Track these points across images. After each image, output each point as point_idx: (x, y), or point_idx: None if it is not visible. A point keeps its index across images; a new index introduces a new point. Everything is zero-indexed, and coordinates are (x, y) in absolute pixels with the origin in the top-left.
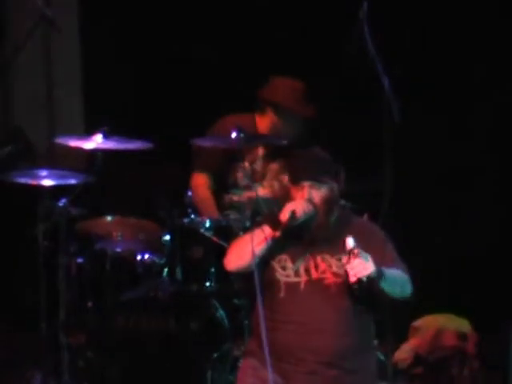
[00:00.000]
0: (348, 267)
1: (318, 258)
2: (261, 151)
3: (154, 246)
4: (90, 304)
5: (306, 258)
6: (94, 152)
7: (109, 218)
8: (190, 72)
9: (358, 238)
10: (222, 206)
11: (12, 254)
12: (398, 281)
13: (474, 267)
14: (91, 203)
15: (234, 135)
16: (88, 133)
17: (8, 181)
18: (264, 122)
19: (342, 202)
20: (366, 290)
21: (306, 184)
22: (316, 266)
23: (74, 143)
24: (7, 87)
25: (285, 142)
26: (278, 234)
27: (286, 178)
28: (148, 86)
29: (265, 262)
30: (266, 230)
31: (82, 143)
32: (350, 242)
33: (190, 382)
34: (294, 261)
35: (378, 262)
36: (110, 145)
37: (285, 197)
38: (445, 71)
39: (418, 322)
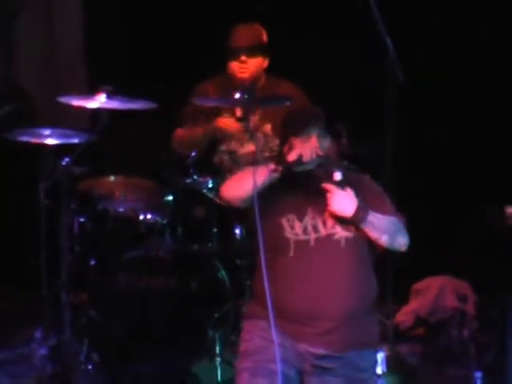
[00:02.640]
0: (329, 196)
1: (325, 214)
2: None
3: (157, 206)
4: (91, 263)
5: (313, 214)
6: (97, 111)
7: (111, 178)
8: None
9: (357, 190)
10: (211, 169)
11: (13, 213)
12: (385, 226)
13: (474, 231)
14: (94, 162)
15: (237, 95)
16: (91, 92)
17: (10, 139)
18: (247, 72)
19: (345, 162)
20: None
21: (314, 133)
22: (324, 222)
23: (76, 102)
24: (9, 46)
25: (288, 103)
26: (280, 169)
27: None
28: (153, 46)
29: (273, 219)
30: (271, 167)
31: (85, 102)
32: (337, 175)
33: (190, 342)
34: (301, 219)
35: (374, 209)
36: (114, 104)
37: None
38: (451, 37)
39: (418, 284)
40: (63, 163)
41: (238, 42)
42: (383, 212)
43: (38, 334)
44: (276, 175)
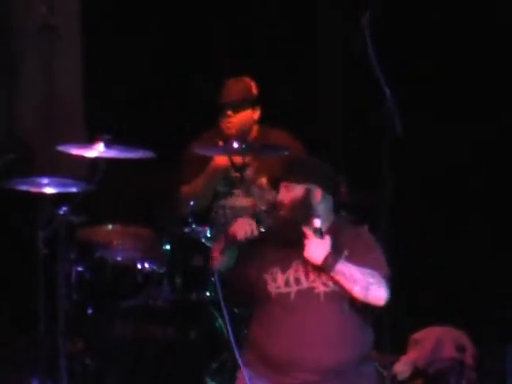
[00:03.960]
0: (305, 242)
1: (309, 267)
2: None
3: (155, 255)
4: (89, 311)
5: (297, 267)
6: (95, 160)
7: (109, 227)
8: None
9: (347, 243)
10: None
11: (12, 261)
12: (357, 278)
13: (472, 280)
14: (92, 211)
15: (235, 145)
16: (90, 141)
17: (9, 188)
18: (233, 128)
19: (343, 213)
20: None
21: (282, 185)
22: (306, 274)
23: (75, 151)
24: (10, 95)
25: (287, 153)
26: (228, 248)
27: (263, 181)
28: (151, 96)
29: (257, 274)
30: (221, 244)
31: (83, 151)
32: (316, 222)
33: None
34: (284, 271)
35: (356, 260)
36: (112, 153)
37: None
38: (449, 81)
39: (417, 335)
40: (61, 212)
41: (225, 98)
42: (364, 264)
43: (34, 382)
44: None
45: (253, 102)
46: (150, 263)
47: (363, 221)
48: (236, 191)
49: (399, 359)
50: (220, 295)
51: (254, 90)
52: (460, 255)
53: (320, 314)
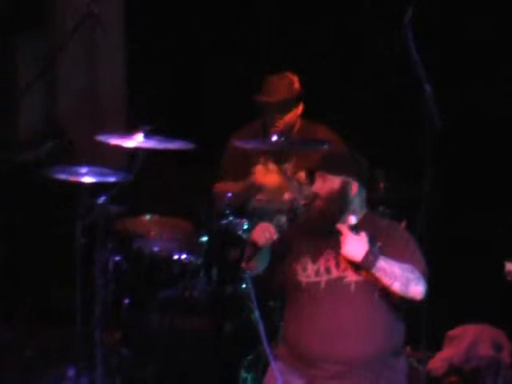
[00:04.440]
0: (342, 239)
1: (340, 256)
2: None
3: (192, 247)
4: (125, 301)
5: (327, 256)
6: (134, 150)
7: (147, 217)
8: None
9: (380, 236)
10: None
11: (50, 251)
12: (397, 274)
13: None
14: (130, 202)
15: (274, 138)
16: (129, 131)
17: (48, 177)
18: (280, 126)
19: (381, 208)
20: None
21: (318, 175)
22: (337, 264)
23: (114, 141)
24: (51, 82)
25: (326, 146)
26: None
27: (302, 176)
28: (192, 85)
29: (288, 265)
30: (248, 250)
31: (122, 141)
32: (351, 219)
33: (223, 383)
34: (314, 261)
35: (392, 256)
36: (151, 144)
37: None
38: (490, 78)
39: (453, 332)
40: (100, 202)
41: (270, 98)
42: (402, 259)
43: (70, 373)
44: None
45: (297, 99)
46: (186, 254)
47: (402, 216)
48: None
49: (435, 356)
50: (252, 296)
51: (298, 86)
52: (502, 252)
53: (350, 304)
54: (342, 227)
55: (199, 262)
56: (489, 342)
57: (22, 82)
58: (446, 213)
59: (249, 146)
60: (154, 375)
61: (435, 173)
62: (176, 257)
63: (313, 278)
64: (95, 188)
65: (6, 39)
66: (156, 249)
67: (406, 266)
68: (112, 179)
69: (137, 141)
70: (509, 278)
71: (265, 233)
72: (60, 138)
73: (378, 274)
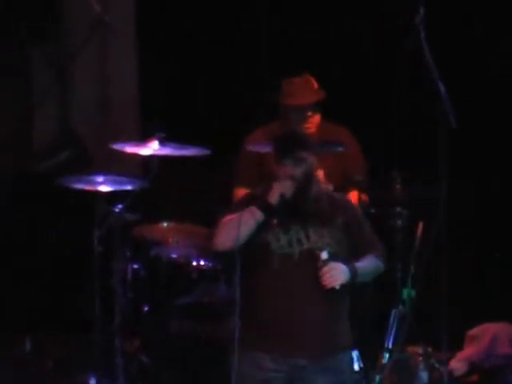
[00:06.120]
0: (321, 273)
1: (310, 230)
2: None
3: (210, 252)
4: (145, 309)
5: (298, 229)
6: (149, 158)
7: (164, 224)
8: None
9: (339, 212)
10: None
11: (68, 259)
12: (370, 271)
13: None
14: (147, 209)
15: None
16: (144, 139)
17: (64, 186)
18: (313, 127)
19: (398, 209)
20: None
21: (288, 162)
22: (307, 237)
23: (130, 149)
24: (65, 92)
25: (341, 149)
26: (264, 216)
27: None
28: (206, 92)
29: (260, 236)
30: (255, 212)
31: (137, 149)
32: (323, 255)
33: None
34: (286, 232)
35: (356, 241)
36: (166, 151)
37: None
38: (504, 77)
39: (473, 331)
40: (116, 210)
41: (302, 100)
42: (363, 236)
43: (91, 381)
44: (261, 217)
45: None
46: (204, 260)
47: (418, 217)
48: None
49: (455, 355)
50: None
51: (318, 86)
52: None
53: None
54: (321, 266)
55: (218, 267)
56: (508, 340)
57: (37, 92)
58: (463, 212)
59: (263, 149)
60: (175, 382)
61: (451, 173)
62: (194, 263)
63: (286, 249)
64: (111, 196)
65: (20, 49)
66: (174, 255)
67: (370, 261)
68: (128, 187)
69: (152, 148)
70: None
71: (290, 185)
72: (75, 147)
73: (361, 278)
